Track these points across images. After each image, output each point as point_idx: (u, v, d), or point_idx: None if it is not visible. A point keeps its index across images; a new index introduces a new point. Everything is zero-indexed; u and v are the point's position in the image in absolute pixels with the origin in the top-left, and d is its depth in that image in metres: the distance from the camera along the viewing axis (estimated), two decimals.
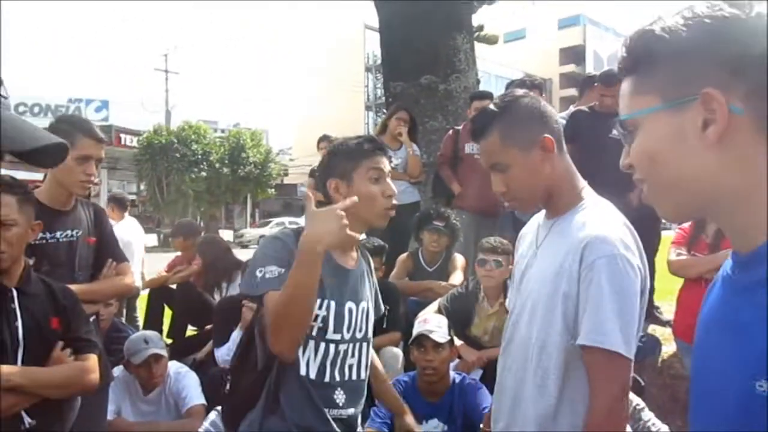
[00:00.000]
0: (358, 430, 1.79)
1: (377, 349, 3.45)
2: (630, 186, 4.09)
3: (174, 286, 5.06)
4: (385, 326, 3.37)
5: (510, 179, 1.51)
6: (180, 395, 3.24)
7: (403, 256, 4.20)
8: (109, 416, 2.92)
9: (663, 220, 5.01)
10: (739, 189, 0.73)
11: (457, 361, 3.21)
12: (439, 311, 3.38)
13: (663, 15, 0.78)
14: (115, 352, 3.33)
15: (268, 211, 34.09)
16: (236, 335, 3.47)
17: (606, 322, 1.31)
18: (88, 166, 2.35)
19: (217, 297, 4.73)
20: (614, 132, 4.27)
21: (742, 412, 0.68)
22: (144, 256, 5.95)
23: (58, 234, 2.34)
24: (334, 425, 1.67)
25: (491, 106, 1.57)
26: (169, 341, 4.49)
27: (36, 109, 28.33)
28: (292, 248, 1.62)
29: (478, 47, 6.53)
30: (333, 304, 1.68)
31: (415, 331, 2.92)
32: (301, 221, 2.09)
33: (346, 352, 1.71)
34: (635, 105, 0.80)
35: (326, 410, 1.66)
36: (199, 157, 25.53)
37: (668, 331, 3.89)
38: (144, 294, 5.42)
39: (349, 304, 1.72)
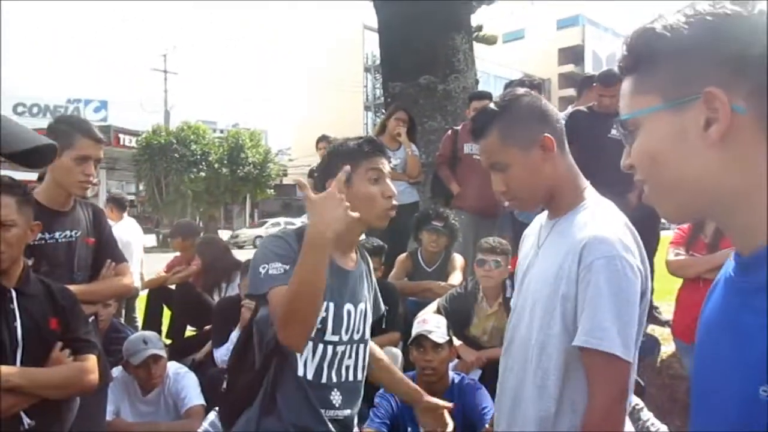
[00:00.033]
0: (354, 431, 1.79)
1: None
2: (629, 186, 4.11)
3: (173, 287, 5.06)
4: (384, 326, 3.37)
5: (510, 179, 1.50)
6: (179, 396, 3.24)
7: (402, 256, 4.20)
8: (108, 417, 2.91)
9: (662, 221, 5.02)
10: (740, 189, 0.72)
11: (456, 361, 3.21)
12: (438, 311, 3.38)
13: (664, 13, 0.76)
14: (114, 353, 3.33)
15: (268, 211, 34.10)
16: (235, 335, 3.47)
17: (603, 323, 1.30)
18: (87, 167, 2.35)
19: (216, 297, 4.74)
20: (613, 132, 4.30)
21: (745, 417, 0.67)
22: (143, 257, 5.95)
23: (56, 234, 2.33)
24: (331, 426, 1.67)
25: (491, 105, 1.56)
26: (168, 342, 4.49)
27: (35, 110, 28.33)
28: (295, 247, 1.62)
29: (477, 47, 6.53)
30: (332, 305, 1.68)
31: (414, 332, 2.92)
32: (298, 222, 2.08)
33: (343, 353, 1.71)
34: (636, 105, 0.79)
35: (323, 411, 1.66)
36: (198, 157, 25.52)
37: (667, 331, 3.90)
38: (143, 294, 5.41)
39: (348, 306, 1.72)
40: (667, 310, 4.01)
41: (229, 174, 26.41)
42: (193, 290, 4.84)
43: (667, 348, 3.86)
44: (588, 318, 1.32)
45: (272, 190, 29.86)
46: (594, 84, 4.49)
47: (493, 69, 34.00)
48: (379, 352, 2.04)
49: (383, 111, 6.15)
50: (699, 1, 0.74)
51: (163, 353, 3.25)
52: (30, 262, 2.11)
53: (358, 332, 1.75)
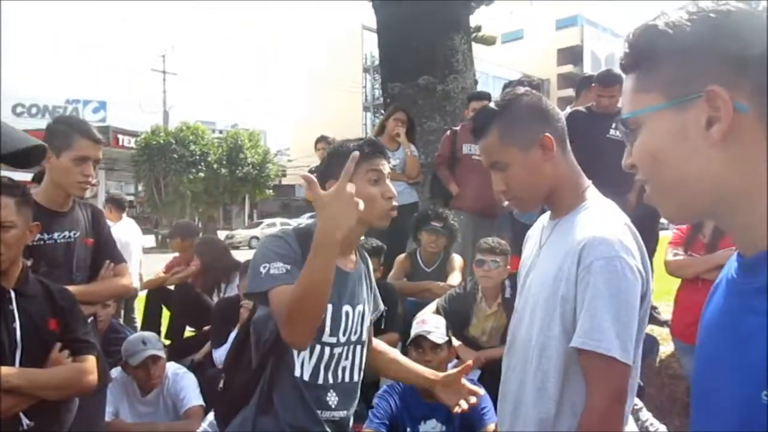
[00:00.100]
0: None
1: None
2: (628, 187, 4.11)
3: (172, 287, 5.06)
4: (383, 327, 3.37)
5: (510, 178, 1.49)
6: (178, 396, 3.23)
7: (401, 256, 4.20)
8: (107, 417, 2.91)
9: (661, 221, 5.02)
10: (741, 189, 0.71)
11: (455, 361, 3.21)
12: (437, 312, 3.38)
13: (667, 10, 0.75)
14: (113, 353, 3.33)
15: (267, 211, 34.10)
16: (234, 336, 3.47)
17: (602, 324, 1.28)
18: (86, 167, 2.34)
19: (215, 298, 4.73)
20: (611, 132, 4.31)
21: (745, 419, 0.66)
22: (142, 257, 5.94)
23: (55, 235, 2.33)
24: (326, 427, 1.68)
25: (491, 105, 1.55)
26: (167, 342, 4.50)
27: (33, 110, 28.35)
28: (295, 246, 1.62)
29: (476, 48, 6.54)
30: (330, 306, 1.67)
31: (413, 332, 2.92)
32: (294, 222, 2.06)
33: (340, 355, 1.71)
34: (637, 103, 0.78)
35: (318, 412, 1.67)
36: (197, 157, 25.51)
37: (666, 331, 3.90)
38: (142, 295, 5.41)
39: (346, 308, 1.72)
40: (665, 310, 4.02)
41: (228, 174, 26.40)
42: (192, 291, 4.84)
43: (666, 348, 3.87)
44: (586, 319, 1.30)
45: (271, 191, 29.85)
46: (593, 84, 4.50)
47: (492, 69, 34.03)
48: (383, 346, 2.04)
49: (382, 111, 6.16)
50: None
51: (162, 354, 3.25)
52: (29, 263, 2.11)
53: (355, 334, 1.75)
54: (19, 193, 1.95)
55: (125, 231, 5.41)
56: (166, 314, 5.05)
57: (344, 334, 1.72)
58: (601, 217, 1.39)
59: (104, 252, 2.51)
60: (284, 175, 32.35)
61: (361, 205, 1.46)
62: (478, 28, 7.03)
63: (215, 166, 26.02)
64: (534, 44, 49.26)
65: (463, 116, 4.95)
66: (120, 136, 24.34)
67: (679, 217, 0.83)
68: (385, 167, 1.73)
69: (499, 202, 1.66)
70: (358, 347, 1.78)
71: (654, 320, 4.23)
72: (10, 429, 1.83)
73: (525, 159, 1.46)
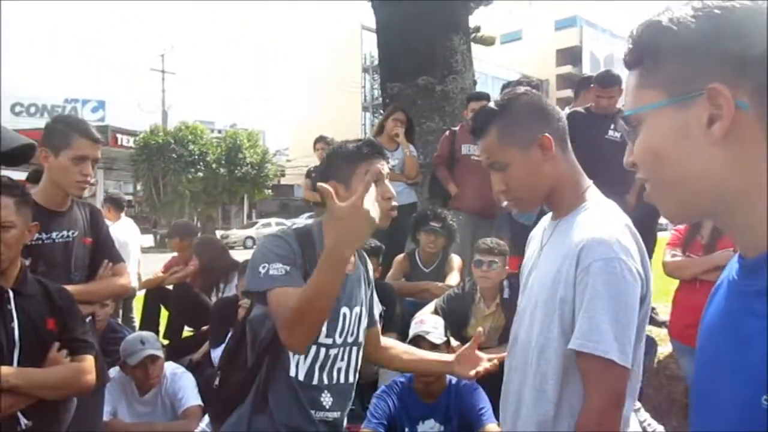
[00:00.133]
0: None
1: None
2: (627, 187, 4.10)
3: (170, 287, 5.06)
4: (381, 327, 3.37)
5: (509, 178, 1.48)
6: (176, 396, 3.23)
7: (400, 257, 4.20)
8: (105, 417, 2.91)
9: (659, 222, 5.03)
10: (742, 189, 0.70)
11: None
12: (436, 312, 3.39)
13: (672, 6, 0.74)
14: (111, 353, 3.32)
15: (265, 211, 34.06)
16: (230, 334, 3.47)
17: (600, 326, 1.26)
18: (85, 167, 2.34)
19: (213, 298, 4.73)
20: (610, 133, 4.31)
21: (745, 423, 0.66)
22: (140, 257, 5.94)
23: (54, 234, 2.33)
24: (320, 427, 1.69)
25: (491, 105, 1.55)
26: (166, 342, 4.49)
27: (32, 110, 28.30)
28: (295, 247, 1.63)
29: (475, 48, 6.54)
30: None
31: (411, 332, 2.92)
32: (288, 222, 2.05)
33: (336, 356, 1.72)
34: (639, 100, 0.77)
35: (312, 412, 1.67)
36: (196, 157, 25.50)
37: (664, 331, 3.90)
38: (140, 295, 5.41)
39: (344, 309, 1.72)
40: (663, 311, 4.02)
41: (227, 174, 26.39)
42: (191, 290, 4.84)
43: (664, 349, 3.87)
44: (584, 321, 1.28)
45: (270, 191, 29.85)
46: (591, 85, 4.50)
47: (491, 70, 34.03)
48: (391, 341, 2.05)
49: (381, 112, 6.16)
50: None
51: (160, 353, 3.25)
52: (27, 262, 2.11)
53: (352, 335, 1.76)
54: (18, 193, 1.95)
55: (124, 230, 5.41)
56: (164, 314, 5.05)
57: (341, 336, 1.72)
58: (600, 218, 1.38)
59: (102, 251, 2.50)
60: (283, 175, 32.35)
61: (376, 217, 1.41)
62: (477, 29, 7.03)
63: (214, 165, 26.01)
64: (533, 45, 49.29)
65: (462, 116, 4.96)
66: (119, 136, 24.32)
67: (680, 216, 0.82)
68: (384, 168, 1.73)
69: (498, 203, 1.65)
70: (354, 348, 1.78)
71: (652, 321, 4.24)
72: (8, 429, 1.83)
73: (524, 159, 1.45)
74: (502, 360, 1.68)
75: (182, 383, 3.27)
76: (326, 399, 1.70)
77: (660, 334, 4.01)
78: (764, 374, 0.63)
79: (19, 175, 2.74)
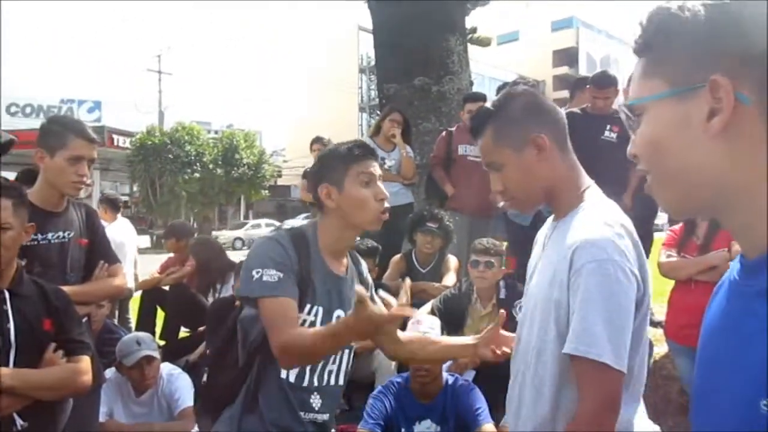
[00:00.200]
0: None
1: (371, 351, 3.46)
2: (623, 188, 4.11)
3: (167, 288, 5.05)
4: None
5: (505, 179, 1.47)
6: (172, 397, 3.23)
7: (397, 257, 4.21)
8: (101, 418, 2.91)
9: (655, 222, 5.04)
10: (743, 185, 0.69)
11: (449, 362, 3.22)
12: (433, 312, 3.39)
13: None
14: (107, 354, 3.32)
15: (262, 212, 34.03)
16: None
17: (593, 329, 1.23)
18: (81, 167, 2.34)
19: (210, 298, 4.72)
20: (606, 134, 4.32)
21: (745, 426, 0.65)
22: (137, 258, 5.93)
23: (49, 235, 2.33)
24: (310, 428, 1.69)
25: (487, 105, 1.54)
26: (162, 343, 4.48)
27: (28, 110, 28.20)
28: (291, 253, 1.63)
29: (472, 49, 6.55)
30: (321, 310, 1.68)
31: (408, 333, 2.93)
32: (277, 224, 2.04)
33: (327, 359, 1.72)
34: (643, 90, 0.76)
35: (302, 413, 1.68)
36: (193, 158, 25.45)
37: (660, 332, 3.91)
38: (137, 296, 5.40)
39: (338, 312, 1.73)
40: (659, 311, 4.03)
41: (224, 175, 26.35)
42: (187, 291, 4.83)
43: (660, 349, 3.88)
44: (577, 324, 1.26)
45: (267, 191, 29.81)
46: (588, 86, 4.51)
47: (488, 71, 34.08)
48: (409, 334, 2.06)
49: (378, 112, 6.16)
50: None
51: (156, 354, 3.24)
52: (22, 263, 2.10)
53: None
54: (16, 194, 1.94)
55: (120, 231, 5.40)
56: (160, 315, 5.04)
57: None
58: (595, 219, 1.35)
59: (98, 252, 2.50)
60: (280, 176, 32.31)
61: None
62: (474, 30, 7.04)
63: (210, 166, 25.97)
64: (529, 46, 49.32)
65: (459, 117, 4.96)
66: (115, 137, 24.28)
67: (679, 210, 0.80)
68: (376, 169, 1.73)
69: (495, 203, 1.64)
70: (346, 351, 1.78)
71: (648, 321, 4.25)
72: (5, 429, 1.82)
73: (519, 159, 1.44)
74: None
75: (178, 384, 3.27)
76: (316, 401, 1.71)
77: (656, 335, 4.02)
78: (764, 376, 0.62)
79: (7, 174, 2.72)
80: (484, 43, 7.67)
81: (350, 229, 1.74)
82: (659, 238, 3.89)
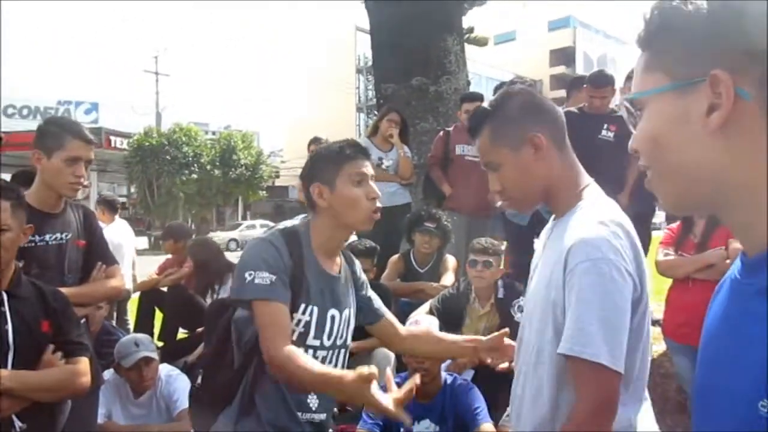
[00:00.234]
0: None
1: (369, 351, 3.46)
2: (620, 187, 4.11)
3: (165, 289, 5.04)
4: None
5: (503, 178, 1.47)
6: (171, 398, 3.23)
7: (395, 257, 4.21)
8: (100, 420, 2.90)
9: (653, 221, 5.05)
10: (742, 182, 0.68)
11: (448, 361, 3.22)
12: (431, 312, 3.39)
13: None
14: (105, 356, 3.31)
15: (260, 212, 34.01)
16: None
17: (587, 329, 1.22)
18: (78, 168, 2.34)
19: (208, 299, 4.72)
20: (603, 133, 4.32)
21: (744, 427, 0.64)
22: (135, 259, 5.92)
23: (47, 237, 2.32)
24: (307, 428, 1.70)
25: (485, 105, 1.54)
26: (160, 344, 4.48)
27: (25, 111, 28.14)
28: (284, 253, 1.63)
29: (469, 49, 6.55)
30: (316, 309, 1.68)
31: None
32: (272, 225, 2.04)
33: (324, 358, 1.71)
34: (644, 84, 0.75)
35: (299, 414, 1.68)
36: (190, 159, 25.43)
37: (657, 330, 3.92)
38: (135, 297, 5.39)
39: (332, 311, 1.73)
40: (657, 309, 4.04)
41: (221, 176, 26.33)
42: (185, 292, 4.82)
43: (658, 347, 3.89)
44: (571, 324, 1.24)
45: (264, 192, 29.80)
46: (584, 85, 4.52)
47: (485, 70, 34.07)
48: (414, 329, 2.05)
49: (375, 112, 6.16)
50: None
51: (154, 355, 3.24)
52: (20, 265, 2.10)
53: (341, 338, 1.76)
54: (14, 196, 1.94)
55: (118, 232, 5.40)
56: (159, 316, 5.04)
57: (329, 338, 1.72)
58: (590, 218, 1.33)
59: (96, 254, 2.50)
60: (277, 177, 32.28)
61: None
62: (471, 29, 7.05)
63: (208, 167, 25.94)
64: (526, 45, 49.35)
65: (456, 117, 4.97)
66: (112, 138, 24.25)
67: (678, 206, 0.79)
68: (369, 169, 1.73)
69: (493, 203, 1.63)
70: (342, 351, 1.78)
71: None
72: (3, 431, 1.82)
73: (516, 159, 1.43)
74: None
75: (177, 385, 3.26)
76: (313, 401, 1.71)
77: (654, 333, 4.02)
78: (763, 376, 0.62)
79: (4, 176, 2.72)
80: (481, 42, 7.68)
81: (342, 228, 1.75)
82: (657, 236, 3.90)
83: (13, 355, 1.85)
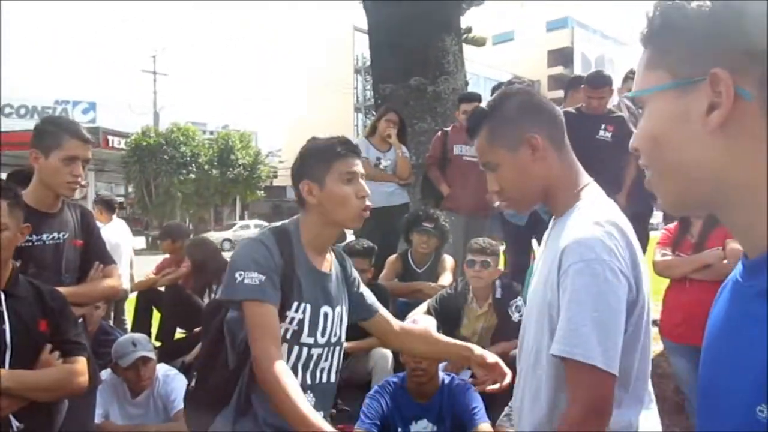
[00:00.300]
0: None
1: (367, 351, 3.47)
2: (618, 187, 4.11)
3: (162, 289, 5.04)
4: None
5: (501, 179, 1.46)
6: (168, 398, 3.22)
7: (393, 257, 4.21)
8: (97, 419, 2.90)
9: (651, 221, 5.05)
10: (742, 182, 0.67)
11: (445, 363, 3.22)
12: (429, 312, 3.39)
13: None
14: (102, 355, 3.31)
15: (258, 212, 33.98)
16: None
17: (580, 330, 1.20)
18: (75, 167, 2.33)
19: (206, 299, 4.72)
20: (601, 134, 4.33)
21: (744, 429, 0.64)
22: (132, 259, 5.92)
23: (44, 236, 2.32)
24: None
25: (482, 106, 1.54)
26: (158, 344, 4.47)
27: (22, 111, 28.11)
28: (275, 253, 1.63)
29: (467, 49, 6.57)
30: (309, 307, 1.68)
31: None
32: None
33: (319, 356, 1.72)
34: (646, 81, 0.75)
35: None
36: (188, 159, 25.37)
37: (654, 330, 3.93)
38: (132, 297, 5.39)
39: (325, 308, 1.73)
40: (654, 309, 4.04)
41: (219, 176, 26.27)
42: (183, 292, 4.82)
43: (655, 347, 3.89)
44: (564, 325, 1.23)
45: (262, 192, 29.76)
46: (582, 86, 4.53)
47: (483, 71, 34.12)
48: (407, 324, 2.05)
49: (373, 112, 6.16)
50: None
51: (152, 355, 3.23)
52: (17, 264, 2.10)
53: (335, 335, 1.76)
54: (11, 195, 1.94)
55: (115, 232, 5.39)
56: (156, 316, 5.03)
57: (323, 336, 1.72)
58: (587, 218, 1.32)
59: (93, 253, 2.49)
60: (275, 176, 32.24)
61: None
62: (469, 30, 7.06)
63: (206, 167, 25.89)
64: (524, 46, 49.43)
65: (454, 117, 4.98)
66: (110, 137, 24.19)
67: (678, 206, 0.79)
68: (359, 167, 1.73)
69: (491, 203, 1.63)
70: (337, 348, 1.78)
71: None
72: (0, 431, 1.82)
73: (513, 159, 1.43)
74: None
75: (174, 385, 3.26)
76: (309, 399, 1.70)
77: (651, 333, 4.04)
78: (762, 380, 0.62)
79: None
80: (479, 43, 7.70)
81: (331, 226, 1.74)
82: (654, 237, 3.90)
83: (10, 355, 1.85)
